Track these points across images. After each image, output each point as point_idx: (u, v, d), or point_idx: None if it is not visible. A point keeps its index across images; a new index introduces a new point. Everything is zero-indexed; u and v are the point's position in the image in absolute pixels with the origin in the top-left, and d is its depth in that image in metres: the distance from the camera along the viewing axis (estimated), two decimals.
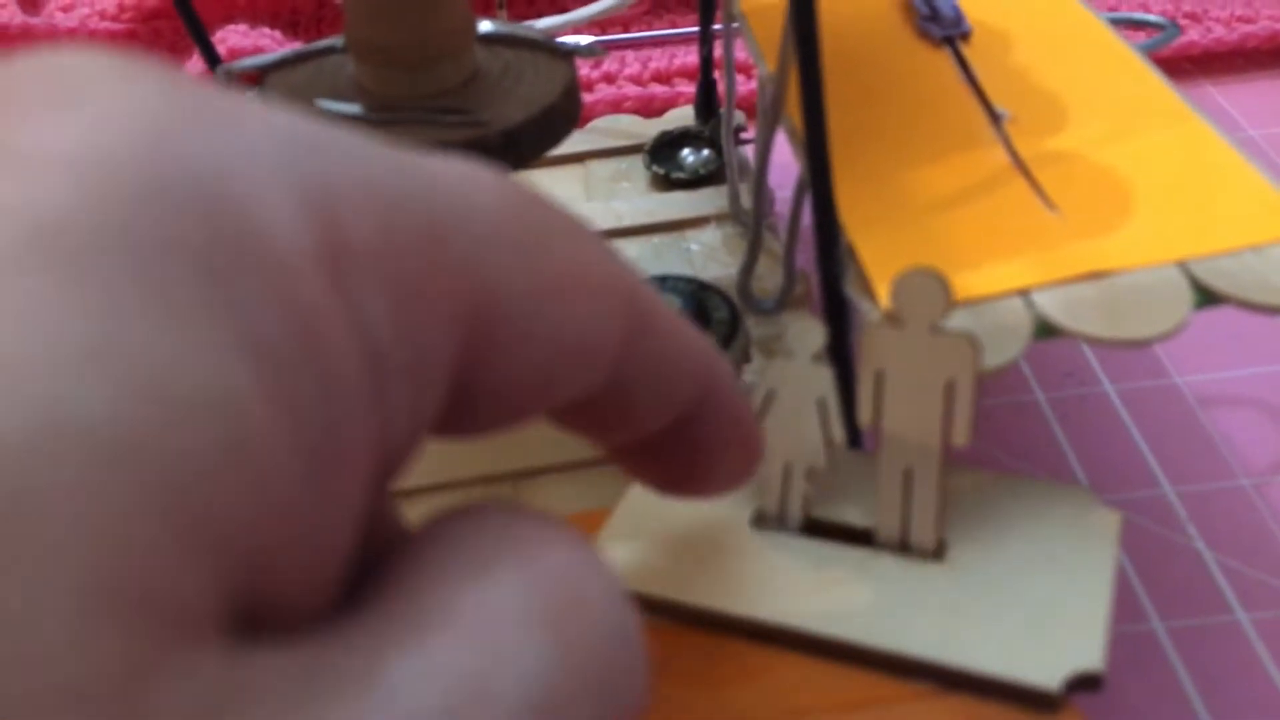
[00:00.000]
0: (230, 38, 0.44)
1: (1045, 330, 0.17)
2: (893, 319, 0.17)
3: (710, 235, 0.30)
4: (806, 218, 0.23)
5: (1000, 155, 0.21)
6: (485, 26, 0.24)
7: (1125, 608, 0.22)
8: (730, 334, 0.25)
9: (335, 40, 0.25)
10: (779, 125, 0.22)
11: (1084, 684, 0.15)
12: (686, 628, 0.17)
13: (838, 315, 0.18)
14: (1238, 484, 0.25)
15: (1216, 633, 0.22)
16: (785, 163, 0.24)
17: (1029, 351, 0.17)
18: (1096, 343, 0.17)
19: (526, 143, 0.22)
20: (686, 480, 0.15)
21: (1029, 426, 0.27)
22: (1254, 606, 0.22)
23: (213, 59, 0.29)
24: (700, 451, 0.15)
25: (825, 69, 0.17)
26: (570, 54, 0.23)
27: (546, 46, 0.23)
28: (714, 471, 0.15)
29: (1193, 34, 0.43)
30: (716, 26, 0.31)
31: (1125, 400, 0.27)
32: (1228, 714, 0.21)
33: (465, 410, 0.11)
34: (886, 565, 0.17)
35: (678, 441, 0.14)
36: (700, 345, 0.14)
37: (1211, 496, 0.24)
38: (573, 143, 0.32)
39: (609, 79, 0.44)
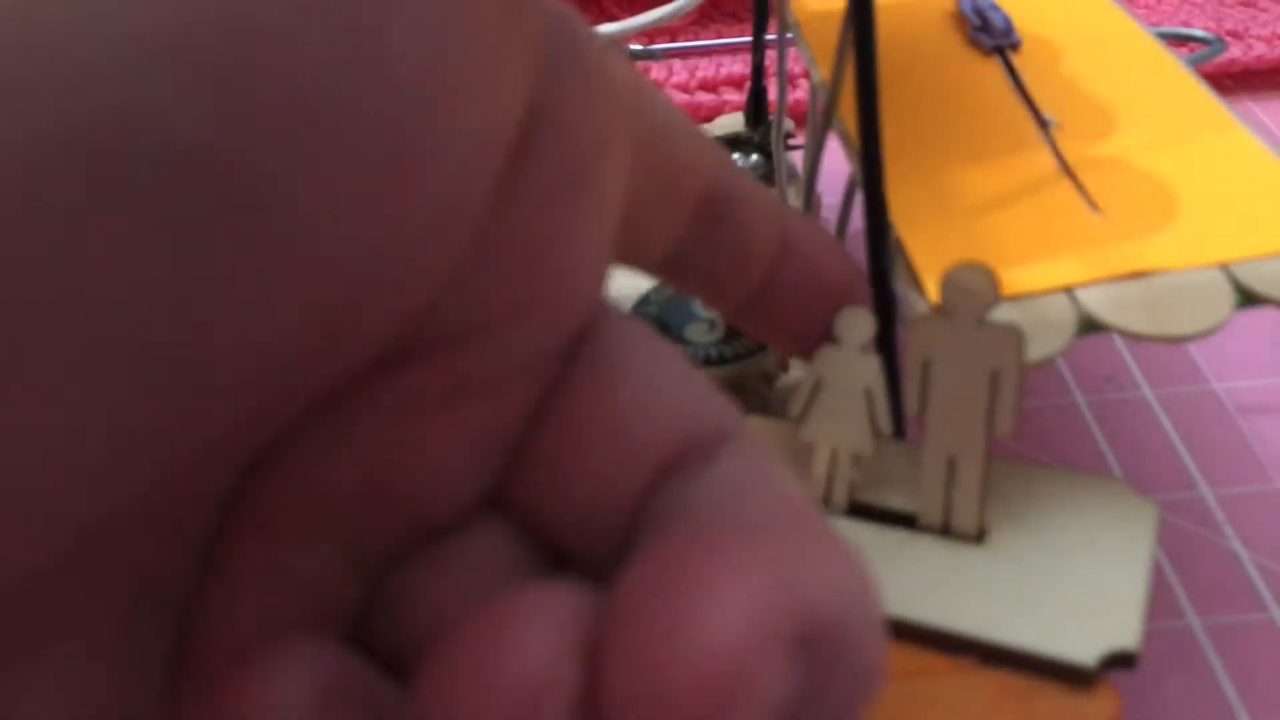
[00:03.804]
0: None
1: (1089, 325, 0.18)
2: (941, 310, 0.18)
3: None
4: (853, 222, 0.24)
5: (1047, 159, 0.22)
6: None
7: (1162, 604, 0.23)
8: None
9: None
10: (830, 130, 0.23)
11: (1119, 662, 0.16)
12: None
13: (886, 309, 0.19)
14: (1274, 487, 0.25)
15: (1252, 630, 0.22)
16: (831, 170, 0.25)
17: (1069, 355, 0.18)
18: (1139, 338, 0.18)
19: None
20: (797, 329, 0.18)
21: (1069, 428, 0.27)
22: None
23: None
24: (795, 294, 0.17)
25: (879, 75, 0.18)
26: (634, 57, 0.24)
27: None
28: (815, 316, 0.18)
29: (1234, 51, 0.43)
30: (769, 36, 0.32)
31: (1164, 404, 0.28)
32: (1263, 708, 0.21)
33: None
34: (928, 546, 0.18)
35: (775, 291, 0.17)
36: (775, 204, 0.17)
37: (1248, 499, 0.25)
38: None
39: (657, 87, 0.45)
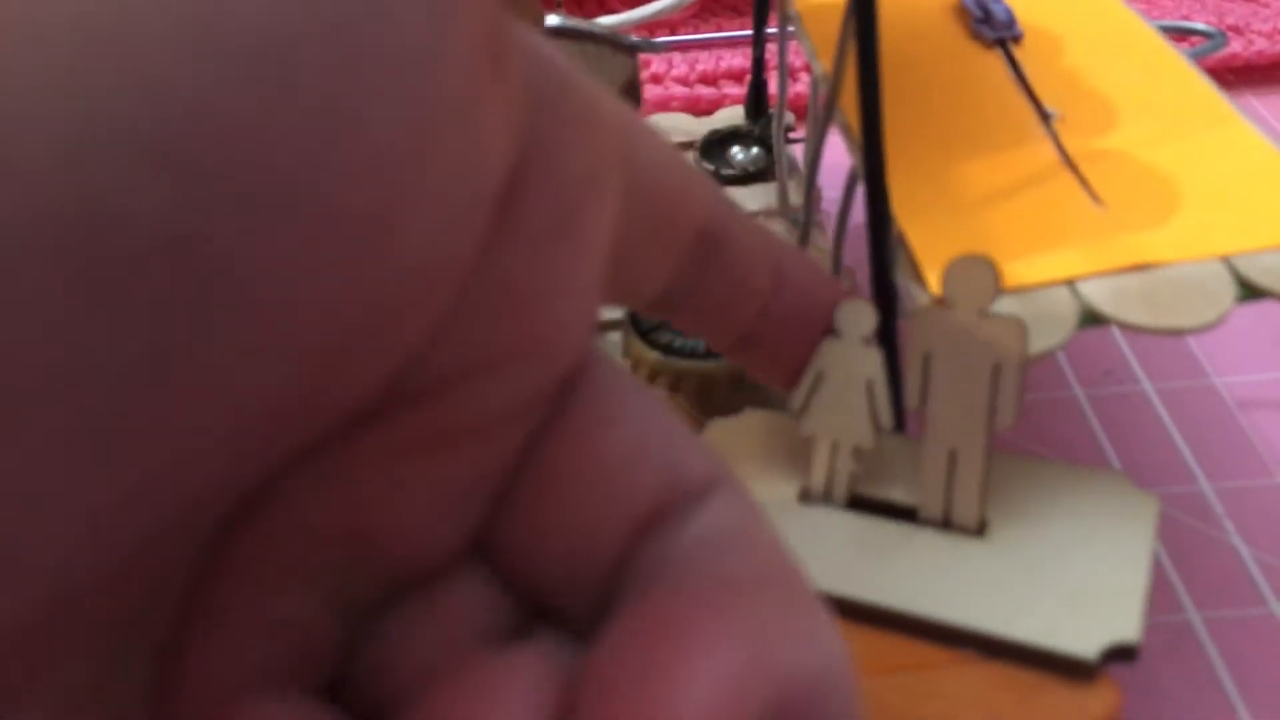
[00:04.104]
0: None
1: (1090, 318, 0.18)
2: (942, 303, 0.18)
3: None
4: (854, 216, 0.24)
5: (1049, 152, 0.22)
6: (553, 20, 0.25)
7: (1162, 598, 0.23)
8: None
9: None
10: (832, 122, 0.23)
11: (1120, 654, 0.16)
12: None
13: (887, 301, 0.19)
14: (1274, 482, 0.25)
15: (1251, 624, 0.22)
16: (832, 163, 0.25)
17: (1069, 349, 0.18)
18: (1140, 331, 0.18)
19: None
20: (792, 361, 0.18)
21: (1069, 422, 0.27)
22: None
23: None
24: (790, 327, 0.18)
25: (881, 68, 0.18)
26: (634, 49, 0.24)
27: (611, 41, 0.24)
28: (809, 348, 0.18)
29: (1235, 45, 0.43)
30: (770, 29, 0.32)
31: (1164, 399, 0.28)
32: (1262, 701, 0.21)
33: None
34: (929, 539, 0.18)
35: (769, 326, 0.17)
36: (768, 238, 0.17)
37: (1247, 493, 0.25)
38: None
39: (656, 80, 0.45)
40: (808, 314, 0.18)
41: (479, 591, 0.12)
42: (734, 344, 0.18)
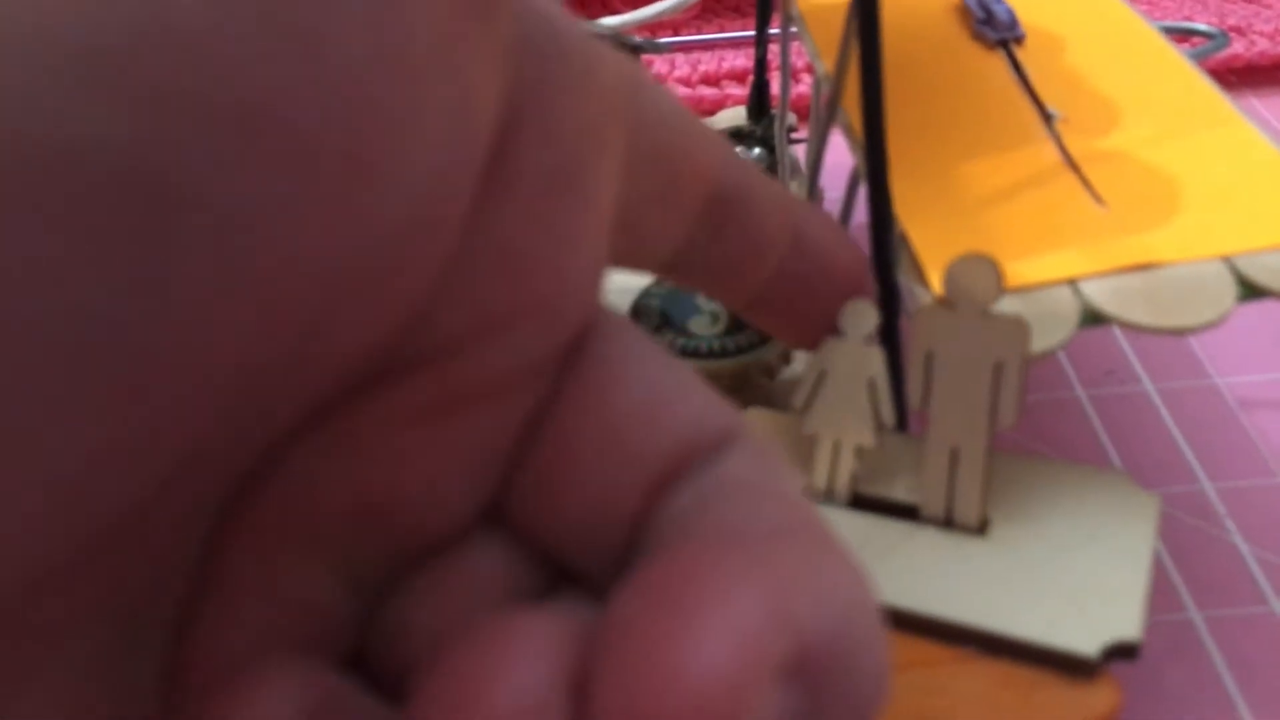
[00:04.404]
0: None
1: (1092, 318, 0.18)
2: (945, 302, 0.18)
3: None
4: (856, 216, 0.24)
5: (1051, 152, 0.22)
6: None
7: (1163, 597, 0.23)
8: None
9: None
10: (834, 123, 0.23)
11: (1121, 653, 0.16)
12: None
13: (890, 301, 0.19)
14: (1275, 480, 0.25)
15: (1252, 623, 0.22)
16: (833, 164, 0.25)
17: (1071, 349, 0.18)
18: (1142, 330, 0.18)
19: None
20: (807, 320, 0.18)
21: (1070, 422, 0.27)
22: None
23: None
24: (806, 287, 0.17)
25: (883, 69, 0.18)
26: (637, 50, 0.24)
27: (614, 42, 0.24)
28: (824, 307, 0.18)
29: (1237, 46, 0.43)
30: (772, 30, 0.32)
31: (1165, 398, 0.28)
32: (1263, 700, 0.21)
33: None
34: (931, 538, 0.18)
35: (785, 285, 0.17)
36: (786, 199, 0.17)
37: (1248, 492, 0.25)
38: None
39: (659, 80, 0.45)
40: (825, 272, 0.18)
41: (496, 558, 0.11)
42: (749, 303, 0.17)
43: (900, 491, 0.19)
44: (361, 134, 0.09)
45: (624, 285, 0.26)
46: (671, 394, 0.12)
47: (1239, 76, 0.43)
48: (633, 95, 0.13)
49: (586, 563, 0.11)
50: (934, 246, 0.19)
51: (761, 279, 0.17)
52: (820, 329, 0.18)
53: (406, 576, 0.11)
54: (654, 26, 0.47)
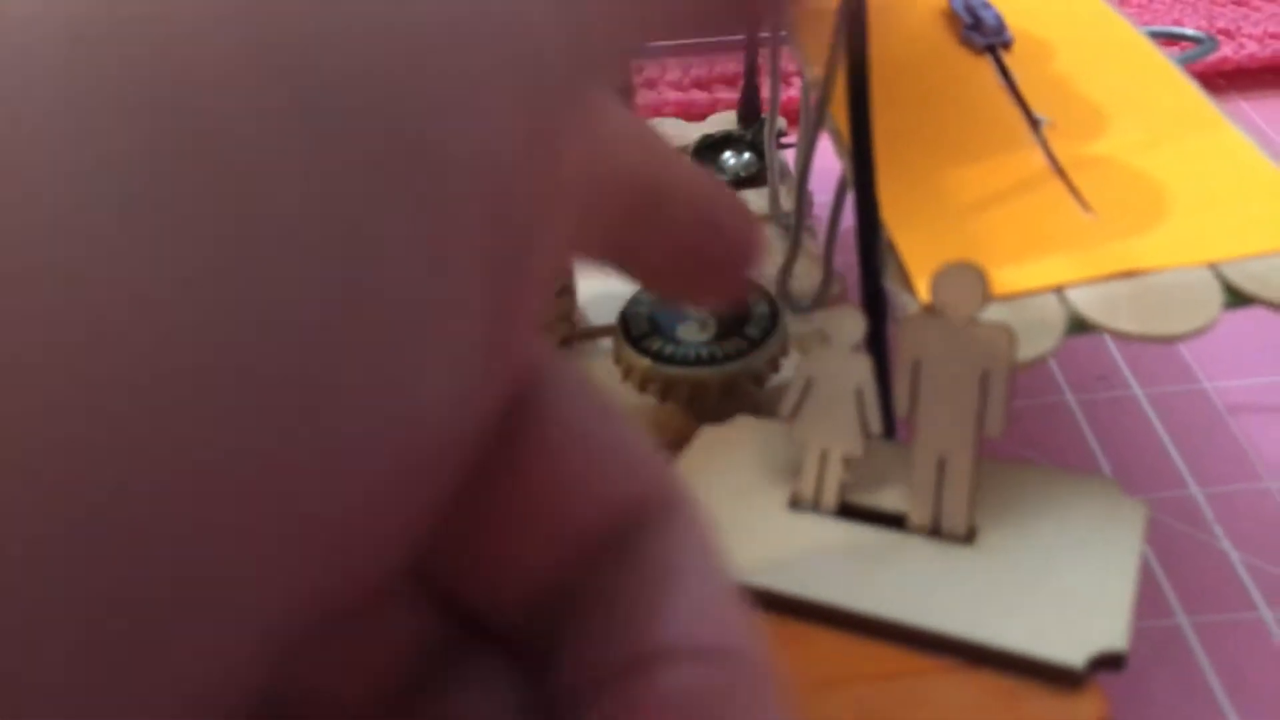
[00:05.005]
0: None
1: (1079, 325, 0.18)
2: (932, 310, 0.18)
3: None
4: (844, 221, 0.24)
5: (1038, 159, 0.22)
6: None
7: (1151, 603, 0.23)
8: (769, 329, 0.25)
9: None
10: (823, 128, 0.23)
11: (1108, 663, 0.16)
12: None
13: (877, 309, 0.19)
14: (1263, 486, 0.25)
15: (1240, 629, 0.22)
16: (823, 169, 0.25)
17: (1061, 355, 0.18)
18: (1128, 338, 0.18)
19: None
20: (693, 281, 0.15)
21: (1060, 427, 0.27)
22: (1277, 604, 0.23)
23: None
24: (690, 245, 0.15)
25: (871, 74, 0.18)
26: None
27: None
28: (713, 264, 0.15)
29: (1226, 50, 0.43)
30: (762, 35, 0.32)
31: (1154, 404, 0.28)
32: (1250, 706, 0.21)
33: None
34: (918, 547, 0.18)
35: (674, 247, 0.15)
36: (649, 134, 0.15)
37: (1237, 498, 0.25)
38: None
39: (650, 84, 0.45)
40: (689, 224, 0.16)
41: (407, 616, 0.11)
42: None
43: (888, 500, 0.19)
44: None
45: (612, 292, 0.26)
46: (606, 460, 0.11)
47: (1228, 79, 0.43)
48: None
49: (501, 621, 0.11)
50: (921, 254, 0.19)
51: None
52: (684, 273, 0.17)
53: (315, 638, 0.11)
54: None
